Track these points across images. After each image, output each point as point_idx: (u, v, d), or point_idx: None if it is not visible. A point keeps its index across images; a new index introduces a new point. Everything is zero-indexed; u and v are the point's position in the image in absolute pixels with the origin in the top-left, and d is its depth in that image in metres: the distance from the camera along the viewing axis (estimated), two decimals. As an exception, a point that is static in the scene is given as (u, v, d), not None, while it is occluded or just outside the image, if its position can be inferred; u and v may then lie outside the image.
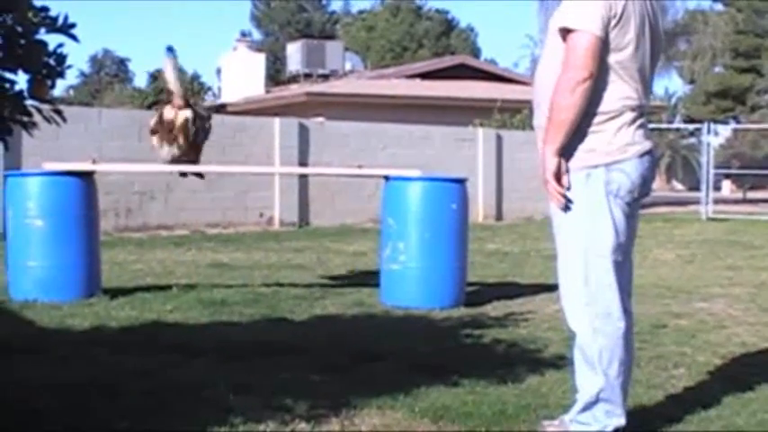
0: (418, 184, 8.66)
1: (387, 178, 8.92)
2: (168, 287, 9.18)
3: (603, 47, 4.07)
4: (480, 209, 21.71)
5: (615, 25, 4.08)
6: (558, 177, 4.16)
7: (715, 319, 7.97)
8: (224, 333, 6.96)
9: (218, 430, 4.31)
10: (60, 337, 6.69)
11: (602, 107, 4.14)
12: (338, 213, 19.63)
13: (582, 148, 4.17)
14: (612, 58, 4.12)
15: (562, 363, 5.95)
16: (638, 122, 4.23)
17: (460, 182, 8.85)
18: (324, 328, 7.32)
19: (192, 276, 10.45)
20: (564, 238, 4.30)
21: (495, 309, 8.41)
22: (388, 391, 5.05)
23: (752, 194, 41.55)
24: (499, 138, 22.75)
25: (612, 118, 4.16)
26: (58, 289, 8.22)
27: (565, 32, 4.10)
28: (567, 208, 4.22)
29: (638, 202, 4.35)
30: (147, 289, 9.12)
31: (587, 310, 4.23)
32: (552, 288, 9.61)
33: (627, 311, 4.33)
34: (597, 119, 4.15)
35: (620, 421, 4.25)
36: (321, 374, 5.54)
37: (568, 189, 4.18)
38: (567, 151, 4.19)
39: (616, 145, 4.16)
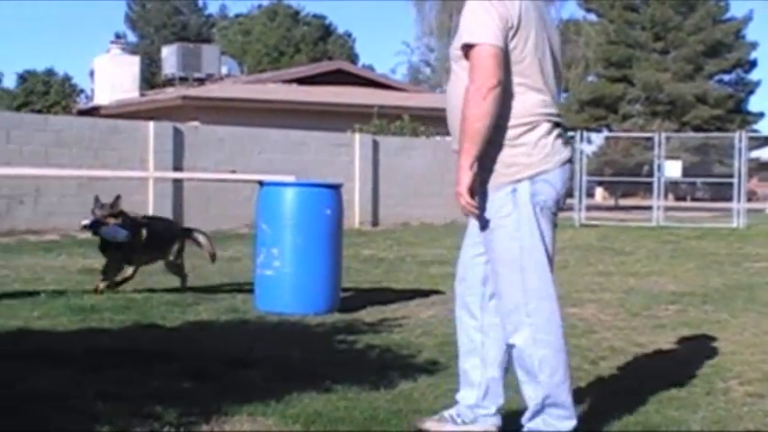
0: (292, 189, 8.62)
1: (261, 183, 8.85)
2: (36, 293, 8.96)
3: (505, 57, 4.13)
4: (357, 214, 21.74)
5: (513, 36, 4.16)
6: (471, 192, 4.16)
7: (585, 324, 8.08)
8: (93, 340, 6.81)
9: (83, 439, 4.21)
10: None
11: (517, 120, 4.19)
12: (213, 218, 19.42)
13: (503, 163, 4.21)
14: (516, 69, 4.19)
15: (435, 368, 5.98)
16: (556, 132, 4.28)
17: (335, 187, 8.84)
18: (196, 335, 7.22)
19: (62, 282, 10.22)
20: (498, 255, 4.30)
21: (369, 314, 8.40)
22: (260, 397, 5.00)
23: (623, 201, 42.44)
24: (376, 144, 22.81)
25: (529, 130, 4.20)
26: None
27: (467, 49, 4.16)
28: (495, 224, 4.24)
29: (557, 212, 4.41)
30: (14, 295, 8.89)
31: (528, 322, 4.25)
32: (426, 294, 9.71)
33: None
34: (513, 132, 4.19)
35: (572, 423, 4.31)
36: (192, 381, 5.46)
37: (483, 209, 4.20)
38: (487, 168, 4.21)
39: (537, 156, 4.20)
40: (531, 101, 4.21)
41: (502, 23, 4.13)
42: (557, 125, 4.30)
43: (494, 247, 4.32)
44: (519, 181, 4.20)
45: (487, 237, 4.32)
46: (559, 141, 4.29)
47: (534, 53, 4.23)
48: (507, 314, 4.33)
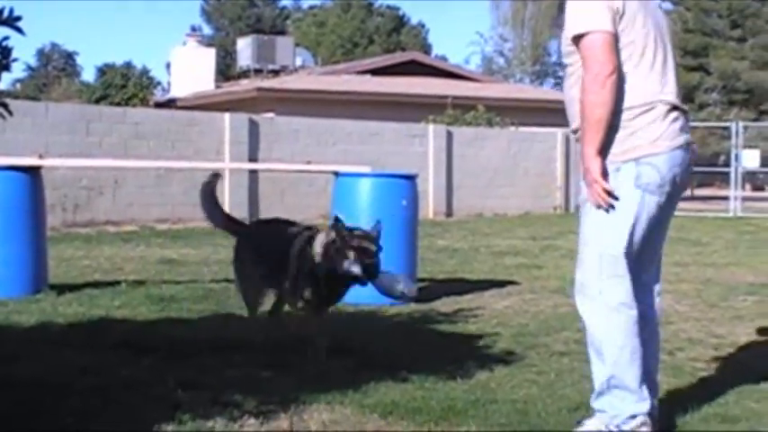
0: (368, 180, 8.65)
1: (336, 174, 8.89)
2: (116, 283, 9.11)
3: (616, 42, 4.16)
4: (431, 205, 21.73)
5: (620, 21, 4.18)
6: (603, 177, 4.20)
7: (662, 315, 8.02)
8: (173, 329, 6.91)
9: (165, 427, 4.29)
10: (6, 333, 6.62)
11: (631, 103, 4.21)
12: (288, 209, 19.54)
13: (612, 143, 4.23)
14: (626, 53, 4.21)
15: (511, 358, 5.99)
16: (672, 116, 4.27)
17: (410, 178, 8.85)
18: (273, 325, 7.27)
19: (141, 272, 10.37)
20: (587, 228, 4.35)
21: (444, 305, 8.42)
22: (338, 386, 5.05)
23: (700, 191, 41.94)
24: (449, 134, 22.78)
25: (644, 113, 4.22)
26: (3, 285, 8.12)
27: (578, 40, 4.19)
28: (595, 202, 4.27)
29: (673, 199, 4.41)
30: (95, 285, 9.04)
31: (599, 300, 4.28)
32: (501, 284, 9.70)
33: (648, 305, 4.45)
34: (628, 114, 4.21)
35: (640, 407, 4.29)
36: (270, 371, 5.53)
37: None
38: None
39: (646, 139, 4.22)
40: (644, 84, 4.22)
41: (608, 8, 4.16)
42: (674, 108, 4.29)
43: (585, 220, 4.36)
44: (624, 161, 4.22)
45: (583, 209, 4.36)
46: (675, 126, 4.28)
47: (645, 37, 4.24)
48: (580, 290, 4.38)
